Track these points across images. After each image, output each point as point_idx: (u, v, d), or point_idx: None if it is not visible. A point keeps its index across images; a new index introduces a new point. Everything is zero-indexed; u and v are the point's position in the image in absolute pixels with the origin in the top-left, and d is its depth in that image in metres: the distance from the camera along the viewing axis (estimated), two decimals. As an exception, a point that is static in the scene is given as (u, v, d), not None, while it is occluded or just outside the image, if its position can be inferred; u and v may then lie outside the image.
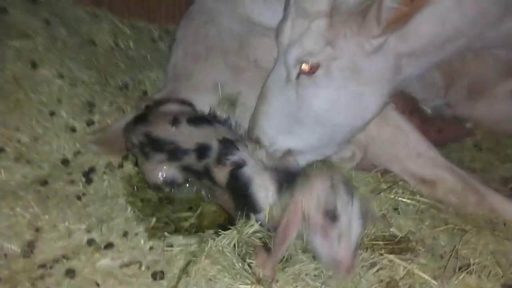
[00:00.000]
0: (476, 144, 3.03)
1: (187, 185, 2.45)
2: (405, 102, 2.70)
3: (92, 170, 2.57)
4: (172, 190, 2.44)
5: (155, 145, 2.38)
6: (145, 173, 2.49)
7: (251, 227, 2.04)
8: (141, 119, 2.50)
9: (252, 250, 2.01)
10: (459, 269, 1.95)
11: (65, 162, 2.63)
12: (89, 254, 2.08)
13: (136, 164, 2.61)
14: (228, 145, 2.23)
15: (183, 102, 2.60)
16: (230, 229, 2.06)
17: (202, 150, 2.27)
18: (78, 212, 2.30)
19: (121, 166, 2.62)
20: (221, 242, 2.00)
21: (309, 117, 2.27)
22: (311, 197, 1.89)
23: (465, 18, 2.18)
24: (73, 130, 2.78)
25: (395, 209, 2.31)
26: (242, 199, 2.13)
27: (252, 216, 2.07)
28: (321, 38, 2.16)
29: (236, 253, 1.99)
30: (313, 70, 2.18)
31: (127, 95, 3.19)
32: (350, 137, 2.44)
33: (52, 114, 2.82)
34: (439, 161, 2.43)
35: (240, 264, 1.95)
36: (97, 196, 2.43)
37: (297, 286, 1.90)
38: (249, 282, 1.89)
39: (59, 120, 2.79)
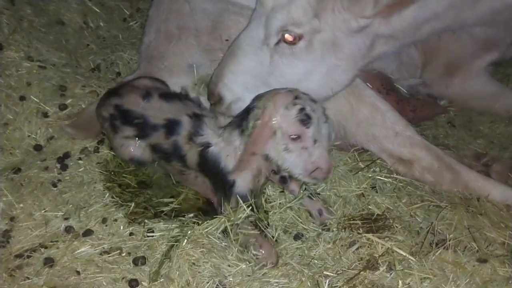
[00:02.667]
0: (450, 121, 3.09)
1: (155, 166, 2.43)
2: (381, 82, 2.72)
3: (66, 155, 2.52)
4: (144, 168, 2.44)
5: (124, 118, 2.36)
6: (115, 149, 2.47)
7: (243, 213, 2.04)
8: (113, 92, 2.48)
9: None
10: (436, 245, 2.00)
11: (38, 147, 2.56)
12: (67, 242, 2.05)
13: (112, 148, 2.56)
14: (197, 121, 2.24)
15: (156, 79, 2.57)
16: (214, 215, 2.09)
17: (171, 126, 2.27)
18: (54, 199, 2.26)
19: (97, 150, 2.57)
20: (207, 227, 2.00)
21: (279, 83, 2.26)
22: (279, 109, 2.00)
23: (443, 1, 2.20)
24: (45, 115, 2.70)
25: (373, 187, 2.35)
26: (215, 177, 2.16)
27: (240, 201, 2.08)
28: (310, 9, 2.14)
29: (226, 236, 2.02)
30: (295, 41, 2.18)
31: (99, 77, 3.12)
32: None
33: (22, 98, 2.73)
34: (416, 140, 2.46)
35: (230, 246, 1.98)
36: (73, 182, 2.38)
37: (281, 269, 1.92)
38: (236, 262, 1.93)
39: (29, 105, 2.71)
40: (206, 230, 2.00)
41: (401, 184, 2.38)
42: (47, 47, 3.15)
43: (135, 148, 2.39)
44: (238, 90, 2.32)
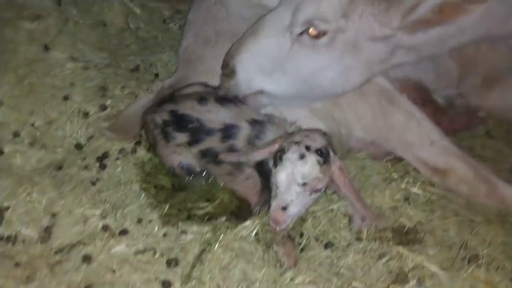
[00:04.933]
0: (488, 132, 2.99)
1: (203, 175, 2.46)
2: (418, 93, 2.67)
3: (105, 155, 2.59)
4: (187, 178, 2.45)
5: (179, 123, 2.39)
6: (163, 156, 2.49)
7: None
8: (167, 99, 2.52)
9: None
10: (468, 261, 1.98)
11: (78, 146, 2.65)
12: (104, 240, 2.13)
13: (149, 149, 2.63)
14: (258, 126, 2.28)
15: (207, 85, 2.61)
16: (246, 217, 2.13)
17: (228, 131, 2.30)
18: (92, 197, 2.34)
19: (134, 151, 2.64)
20: (240, 231, 2.05)
21: (294, 71, 2.29)
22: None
23: (470, 18, 2.17)
24: (86, 114, 2.80)
25: (406, 199, 2.33)
26: (269, 182, 2.14)
27: None
28: (340, 8, 2.15)
29: (257, 241, 2.06)
30: (318, 36, 2.19)
31: (138, 78, 3.17)
32: (322, 99, 2.48)
33: (65, 98, 2.84)
34: (452, 150, 2.43)
35: (258, 251, 2.01)
36: (111, 182, 2.45)
37: (309, 276, 1.94)
38: (264, 267, 1.96)
39: (72, 105, 2.81)
40: (240, 234, 2.04)
41: (434, 197, 2.35)
42: (90, 48, 3.25)
43: (185, 157, 2.41)
44: (251, 68, 2.34)
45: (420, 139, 2.45)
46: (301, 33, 2.21)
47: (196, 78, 2.77)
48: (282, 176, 1.97)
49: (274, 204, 1.99)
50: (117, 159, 2.59)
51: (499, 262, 1.98)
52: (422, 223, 2.19)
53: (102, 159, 2.57)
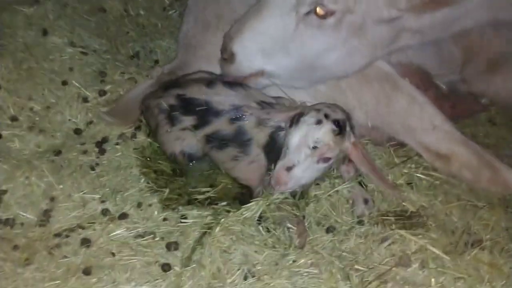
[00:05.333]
0: (491, 119, 2.97)
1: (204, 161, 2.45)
2: (420, 78, 2.63)
3: (105, 140, 2.57)
4: (188, 164, 2.44)
5: (187, 106, 2.37)
6: (165, 143, 2.46)
7: (281, 195, 2.08)
8: (172, 83, 2.50)
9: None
10: (472, 245, 1.96)
11: (77, 131, 2.62)
12: (104, 224, 2.11)
13: (149, 135, 2.61)
14: (267, 107, 2.28)
15: (212, 73, 2.57)
16: (247, 201, 2.10)
17: (238, 112, 2.29)
18: (92, 182, 2.32)
19: (134, 136, 2.61)
20: (242, 214, 2.02)
21: (298, 52, 2.25)
22: None
23: (480, 2, 2.16)
24: (85, 100, 2.77)
25: (409, 183, 2.31)
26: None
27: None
28: None
29: (258, 224, 2.05)
30: (326, 16, 2.16)
31: (138, 65, 3.15)
32: (323, 81, 2.45)
33: (64, 83, 2.81)
34: (455, 135, 2.40)
35: (260, 234, 1.99)
36: (111, 166, 2.43)
37: (311, 258, 1.92)
38: (266, 250, 1.94)
39: (71, 90, 2.78)
40: (243, 216, 2.02)
41: (437, 181, 2.33)
42: (89, 34, 3.22)
43: (189, 142, 2.39)
44: (252, 49, 2.29)
45: (423, 124, 2.42)
46: (308, 13, 2.17)
47: (196, 63, 2.74)
48: (295, 136, 2.02)
49: (280, 163, 2.03)
50: (116, 144, 2.56)
51: (503, 245, 1.96)
52: (425, 208, 2.17)
53: (101, 144, 2.55)
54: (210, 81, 2.41)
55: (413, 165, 2.40)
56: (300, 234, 2.00)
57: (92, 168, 2.40)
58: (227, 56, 2.34)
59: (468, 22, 2.33)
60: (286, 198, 2.11)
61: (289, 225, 2.01)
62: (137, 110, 2.67)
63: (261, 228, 2.02)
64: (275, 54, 2.27)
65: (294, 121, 2.05)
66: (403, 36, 2.28)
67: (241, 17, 2.36)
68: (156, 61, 3.25)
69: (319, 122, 2.01)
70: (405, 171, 2.36)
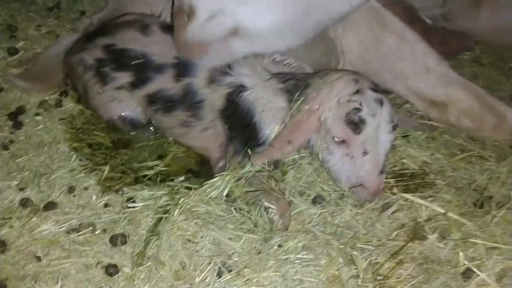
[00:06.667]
0: (477, 59, 2.68)
1: (150, 127, 2.03)
2: (404, 11, 2.29)
3: (20, 110, 2.14)
4: (131, 132, 2.02)
5: (119, 60, 1.93)
6: (98, 107, 2.02)
7: (253, 167, 1.66)
8: (99, 32, 2.03)
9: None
10: (481, 204, 1.63)
11: (-16, 102, 2.13)
12: (24, 219, 1.66)
13: (78, 100, 2.15)
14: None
15: (144, 14, 2.10)
16: (207, 176, 1.68)
17: (184, 65, 1.84)
18: (5, 165, 1.88)
19: (59, 104, 2.16)
20: (206, 192, 1.59)
21: None
22: (331, 100, 1.62)
23: None
24: (-9, 60, 2.26)
25: (404, 136, 1.94)
26: (241, 130, 1.77)
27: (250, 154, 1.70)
28: None
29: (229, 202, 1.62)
30: None
31: (59, 16, 2.65)
32: (323, 28, 1.87)
33: (-39, 40, 2.26)
34: (452, 77, 2.07)
35: (232, 215, 1.58)
36: (30, 143, 1.99)
37: (301, 240, 1.51)
38: (243, 235, 1.52)
39: (-29, 48, 2.24)
40: (207, 196, 1.58)
41: (435, 131, 1.98)
42: (-9, -21, 2.64)
43: (128, 104, 1.95)
44: None
45: (414, 67, 2.07)
46: None
47: (132, 7, 2.25)
48: (371, 137, 1.59)
49: (371, 172, 1.60)
50: (36, 114, 2.11)
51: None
52: (428, 164, 1.81)
53: (16, 115, 2.11)
54: (144, 25, 1.95)
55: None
56: (282, 212, 1.58)
57: (5, 147, 1.95)
58: (182, 19, 1.73)
59: None
60: (260, 171, 1.69)
61: (267, 204, 1.59)
62: (61, 70, 2.19)
63: (233, 209, 1.58)
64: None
65: (358, 124, 1.58)
66: None
67: None
68: (83, 12, 2.72)
69: (380, 101, 1.61)
70: (398, 122, 1.97)
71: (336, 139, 1.62)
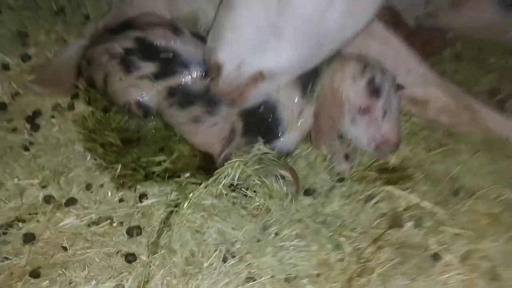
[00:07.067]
0: (457, 54, 2.83)
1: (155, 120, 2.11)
2: (388, 16, 2.43)
3: (37, 114, 2.19)
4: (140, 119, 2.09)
5: (147, 51, 1.97)
6: (117, 92, 2.03)
7: (259, 151, 1.84)
8: (129, 25, 2.06)
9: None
10: (464, 194, 1.82)
11: (2, 106, 2.23)
12: (48, 214, 1.79)
13: (89, 102, 2.23)
14: None
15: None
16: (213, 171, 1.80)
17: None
18: (27, 165, 1.97)
19: (71, 107, 2.24)
20: (211, 186, 1.75)
21: (293, 26, 1.77)
22: (347, 80, 1.88)
23: None
24: (6, 67, 2.35)
25: (387, 132, 2.12)
26: (259, 125, 1.92)
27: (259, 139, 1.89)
28: None
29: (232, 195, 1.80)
30: None
31: (66, 22, 2.71)
32: (331, 52, 1.96)
33: (-24, 49, 2.36)
34: (431, 77, 2.21)
35: (234, 207, 1.76)
36: (48, 144, 2.07)
37: (295, 229, 1.71)
38: (245, 225, 1.71)
39: (-14, 56, 2.34)
40: (212, 189, 1.73)
41: (416, 127, 2.17)
42: (0, -13, 2.72)
43: (148, 89, 1.98)
44: (240, 49, 1.82)
45: (396, 68, 2.20)
46: None
47: (133, 13, 2.32)
48: (387, 98, 1.89)
49: (392, 127, 1.90)
50: (52, 117, 2.19)
51: (497, 192, 1.83)
52: (408, 158, 2.01)
53: (33, 118, 2.17)
54: (176, 27, 2.00)
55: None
56: (295, 179, 1.82)
57: (26, 149, 2.04)
58: (214, 74, 1.87)
59: None
60: (266, 153, 1.85)
61: (282, 172, 1.80)
62: (72, 74, 2.29)
63: (236, 201, 1.76)
64: (267, 45, 1.79)
65: (376, 91, 1.88)
66: None
67: (212, 25, 1.91)
68: (87, 16, 2.79)
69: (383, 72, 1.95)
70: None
71: (362, 107, 1.86)
